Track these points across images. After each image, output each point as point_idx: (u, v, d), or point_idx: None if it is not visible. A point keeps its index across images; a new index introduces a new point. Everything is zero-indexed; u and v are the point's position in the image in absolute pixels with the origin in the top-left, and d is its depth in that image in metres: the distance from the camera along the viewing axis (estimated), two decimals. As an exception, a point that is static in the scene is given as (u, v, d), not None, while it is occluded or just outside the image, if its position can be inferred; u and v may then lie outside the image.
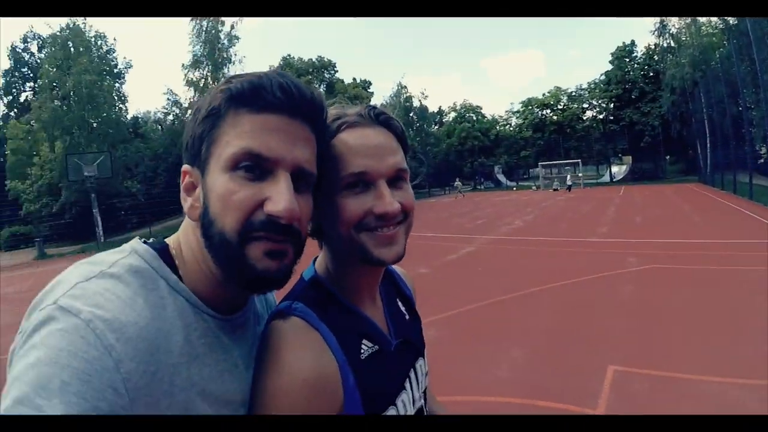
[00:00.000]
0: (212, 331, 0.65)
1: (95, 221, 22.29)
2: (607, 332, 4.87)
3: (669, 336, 4.61)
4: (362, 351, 0.75)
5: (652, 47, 39.12)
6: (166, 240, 0.69)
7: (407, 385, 0.83)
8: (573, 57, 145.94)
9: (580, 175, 35.74)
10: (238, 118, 0.61)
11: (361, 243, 0.72)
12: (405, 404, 0.80)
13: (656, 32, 36.50)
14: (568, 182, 33.88)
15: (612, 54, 43.67)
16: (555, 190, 35.92)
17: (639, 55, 42.58)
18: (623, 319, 5.19)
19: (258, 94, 0.61)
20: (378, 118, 0.76)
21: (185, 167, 0.66)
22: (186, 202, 0.66)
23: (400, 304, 0.94)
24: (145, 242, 0.66)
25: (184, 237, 0.68)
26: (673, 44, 35.36)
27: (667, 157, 41.55)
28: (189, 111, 29.30)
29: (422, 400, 0.89)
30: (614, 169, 41.84)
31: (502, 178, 48.52)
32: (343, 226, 0.72)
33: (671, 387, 3.63)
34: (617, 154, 42.87)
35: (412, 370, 0.86)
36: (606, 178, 42.07)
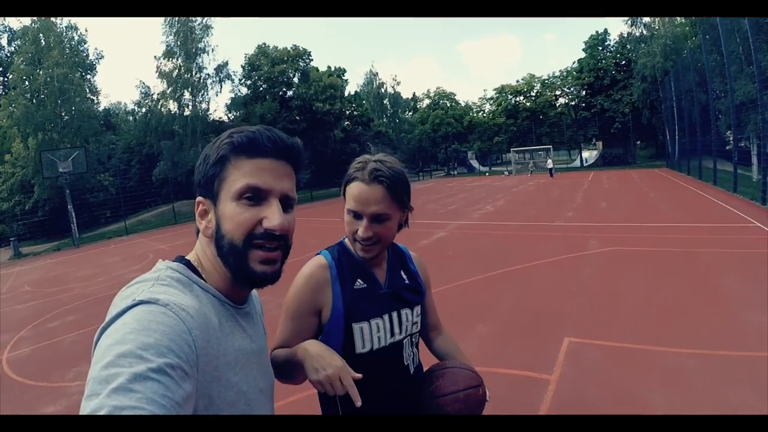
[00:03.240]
0: (233, 317, 0.88)
1: (70, 217, 21.69)
2: (565, 309, 5.21)
3: (622, 311, 4.97)
4: (356, 285, 1.30)
5: (625, 36, 39.62)
6: (186, 257, 0.91)
7: (386, 317, 1.31)
8: (548, 41, 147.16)
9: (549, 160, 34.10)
10: (239, 162, 0.84)
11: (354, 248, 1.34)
12: (379, 327, 1.29)
13: (629, 21, 36.91)
14: (549, 166, 31.95)
15: (585, 42, 44.24)
16: (531, 173, 36.02)
17: (612, 43, 43.22)
18: (581, 298, 5.54)
19: (253, 145, 0.84)
20: (374, 175, 1.24)
21: (199, 199, 0.89)
22: (201, 224, 0.89)
23: (402, 272, 1.43)
24: (172, 261, 0.88)
25: (201, 252, 0.91)
26: (645, 33, 35.83)
27: (637, 143, 42.51)
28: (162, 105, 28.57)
29: (405, 340, 1.35)
30: (585, 154, 42.52)
31: (475, 163, 48.88)
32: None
33: (621, 355, 3.95)
34: (588, 140, 43.51)
35: (396, 312, 1.33)
36: (577, 163, 42.87)
